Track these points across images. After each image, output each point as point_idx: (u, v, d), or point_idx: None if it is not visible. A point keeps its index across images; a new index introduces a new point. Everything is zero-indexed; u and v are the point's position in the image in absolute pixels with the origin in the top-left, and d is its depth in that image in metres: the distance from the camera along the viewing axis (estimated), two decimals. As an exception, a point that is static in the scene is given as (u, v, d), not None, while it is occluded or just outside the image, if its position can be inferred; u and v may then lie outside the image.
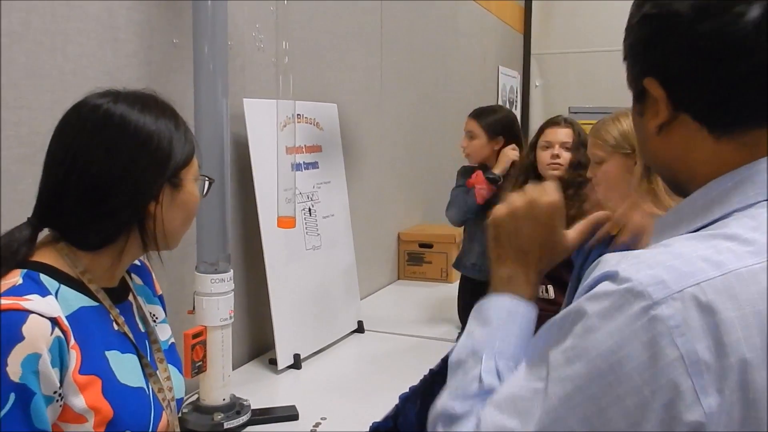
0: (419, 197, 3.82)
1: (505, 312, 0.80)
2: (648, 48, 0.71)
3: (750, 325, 0.57)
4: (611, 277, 0.62)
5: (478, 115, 2.63)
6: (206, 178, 1.04)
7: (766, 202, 0.64)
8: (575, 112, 4.63)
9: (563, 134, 2.15)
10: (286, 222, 1.90)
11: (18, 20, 1.46)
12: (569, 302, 2.08)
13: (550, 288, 2.14)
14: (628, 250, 0.74)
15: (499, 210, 0.85)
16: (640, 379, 0.57)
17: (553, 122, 2.22)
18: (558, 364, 0.62)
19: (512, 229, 0.83)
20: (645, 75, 0.71)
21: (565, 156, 2.12)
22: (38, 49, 1.51)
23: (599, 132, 1.72)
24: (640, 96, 0.74)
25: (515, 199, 0.84)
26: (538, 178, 2.20)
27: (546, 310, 2.42)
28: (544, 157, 2.16)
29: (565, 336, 0.63)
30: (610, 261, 0.65)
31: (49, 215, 0.93)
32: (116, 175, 0.90)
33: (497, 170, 2.52)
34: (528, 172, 2.24)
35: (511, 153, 2.52)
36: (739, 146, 0.67)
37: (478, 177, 2.53)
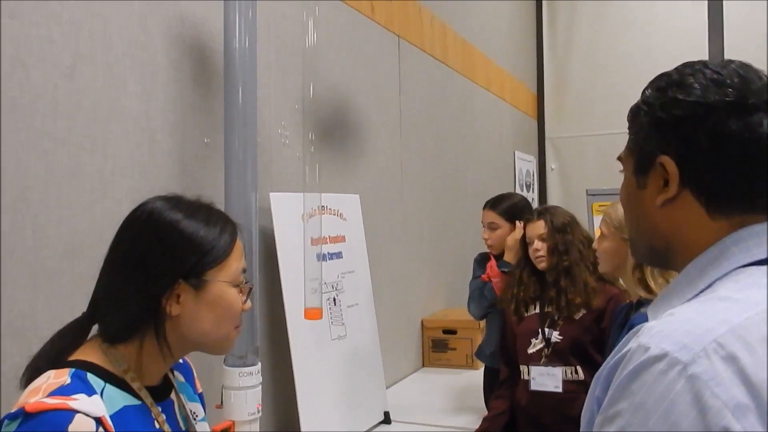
0: (442, 282, 3.83)
1: None
2: (672, 129, 0.77)
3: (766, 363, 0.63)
4: (639, 352, 0.67)
5: (494, 204, 2.67)
6: (243, 283, 1.03)
7: (741, 268, 0.73)
8: (593, 194, 4.65)
9: (537, 227, 2.29)
10: (312, 313, 1.91)
11: (63, 126, 1.55)
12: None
13: (580, 369, 2.15)
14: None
15: None
16: None
17: (527, 219, 2.37)
18: None
19: None
20: (661, 152, 0.77)
21: (544, 246, 2.26)
22: (81, 152, 1.59)
23: (608, 211, 1.91)
24: (644, 170, 0.81)
25: None
26: (534, 267, 2.31)
27: (576, 391, 2.43)
28: (530, 252, 2.32)
29: (613, 418, 0.66)
30: (632, 339, 0.70)
31: (93, 310, 0.98)
32: (132, 264, 0.95)
33: (510, 258, 2.53)
34: (526, 262, 2.34)
35: (518, 235, 2.49)
36: (730, 225, 0.75)
37: (492, 270, 2.55)
